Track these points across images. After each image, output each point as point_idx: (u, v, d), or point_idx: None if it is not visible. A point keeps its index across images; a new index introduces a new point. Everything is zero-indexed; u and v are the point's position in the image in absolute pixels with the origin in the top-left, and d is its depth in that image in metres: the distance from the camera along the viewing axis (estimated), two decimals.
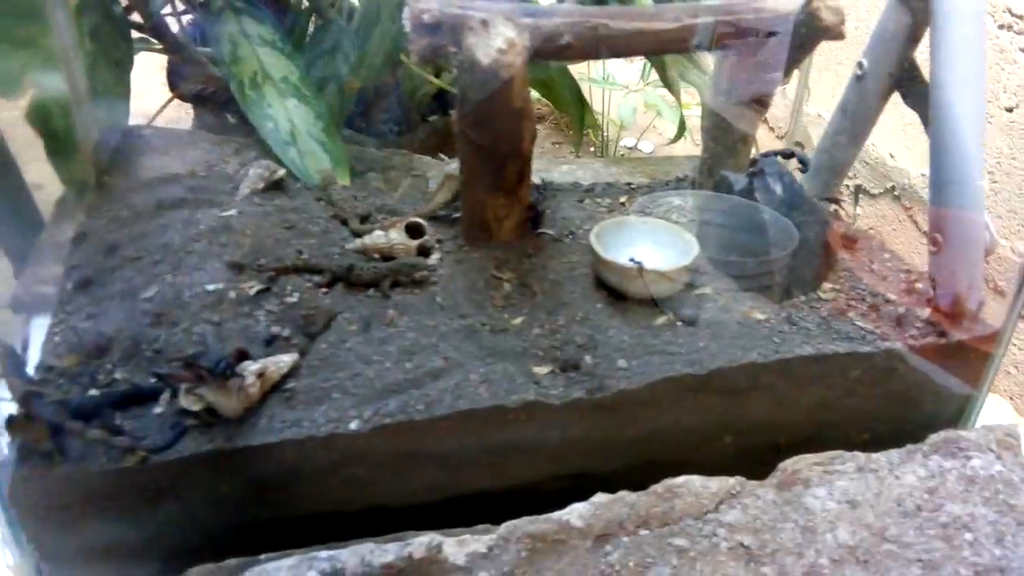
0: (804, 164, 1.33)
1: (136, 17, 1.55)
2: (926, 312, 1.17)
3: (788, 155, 1.34)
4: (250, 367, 0.93)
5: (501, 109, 1.07)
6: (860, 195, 2.01)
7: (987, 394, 1.20)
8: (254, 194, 1.31)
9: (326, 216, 1.30)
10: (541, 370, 1.02)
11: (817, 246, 1.24)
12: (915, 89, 1.37)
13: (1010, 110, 1.53)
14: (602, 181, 1.54)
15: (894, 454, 1.00)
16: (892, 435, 1.07)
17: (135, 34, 1.52)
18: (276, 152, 1.41)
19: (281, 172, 1.35)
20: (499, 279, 1.17)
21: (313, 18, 1.76)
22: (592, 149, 2.49)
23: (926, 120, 1.30)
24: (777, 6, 1.19)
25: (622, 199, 1.44)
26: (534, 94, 2.03)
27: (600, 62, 2.40)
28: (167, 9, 1.68)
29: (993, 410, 1.24)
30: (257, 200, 1.30)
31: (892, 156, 1.88)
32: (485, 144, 1.13)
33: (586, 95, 2.05)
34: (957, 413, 1.20)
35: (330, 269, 1.15)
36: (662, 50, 1.44)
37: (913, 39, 1.34)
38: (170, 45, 1.63)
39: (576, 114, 2.00)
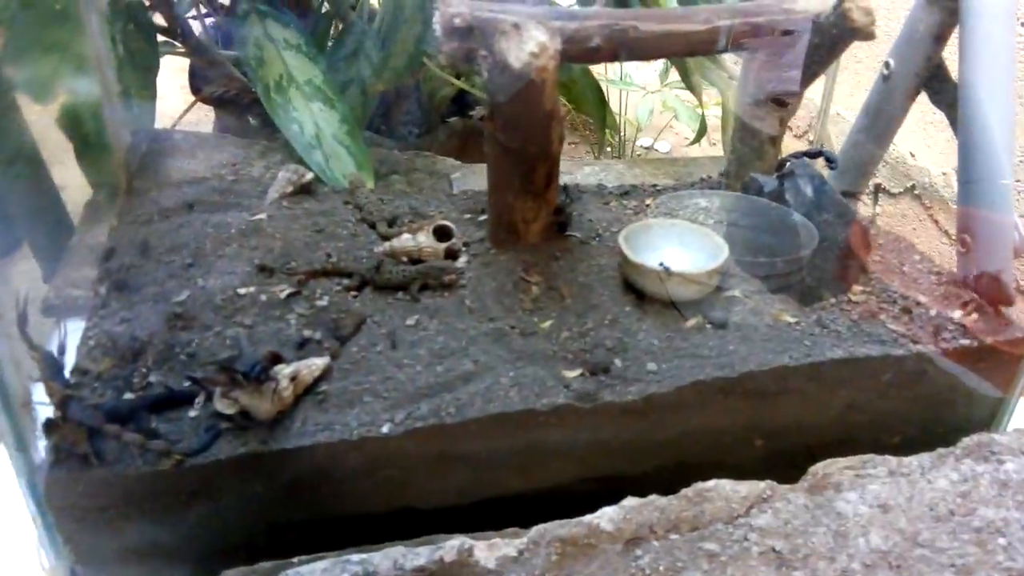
0: (832, 162, 1.32)
1: (159, 20, 1.56)
2: (957, 314, 1.17)
3: (815, 155, 1.33)
4: (283, 371, 0.94)
5: (531, 112, 1.06)
6: (880, 194, 2.00)
7: (1020, 397, 1.19)
8: (283, 198, 1.32)
9: (354, 220, 1.30)
10: (571, 373, 1.02)
11: (847, 248, 1.23)
12: (943, 88, 1.36)
13: None
14: (626, 183, 1.53)
15: (926, 458, 0.99)
16: (923, 438, 1.06)
17: (158, 37, 1.53)
18: (301, 155, 1.42)
19: (309, 176, 1.36)
20: (527, 282, 1.17)
21: (334, 22, 1.76)
22: (608, 149, 2.49)
23: (953, 120, 1.29)
24: (808, 7, 1.19)
25: (647, 201, 1.43)
26: None
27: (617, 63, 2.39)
28: (190, 12, 1.69)
29: None
30: (286, 203, 1.31)
31: (912, 155, 1.86)
32: (514, 147, 1.13)
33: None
34: (989, 416, 1.19)
35: (359, 272, 1.15)
36: (691, 52, 1.44)
37: (941, 38, 1.33)
38: (193, 48, 1.64)
39: (598, 115, 2.00)
